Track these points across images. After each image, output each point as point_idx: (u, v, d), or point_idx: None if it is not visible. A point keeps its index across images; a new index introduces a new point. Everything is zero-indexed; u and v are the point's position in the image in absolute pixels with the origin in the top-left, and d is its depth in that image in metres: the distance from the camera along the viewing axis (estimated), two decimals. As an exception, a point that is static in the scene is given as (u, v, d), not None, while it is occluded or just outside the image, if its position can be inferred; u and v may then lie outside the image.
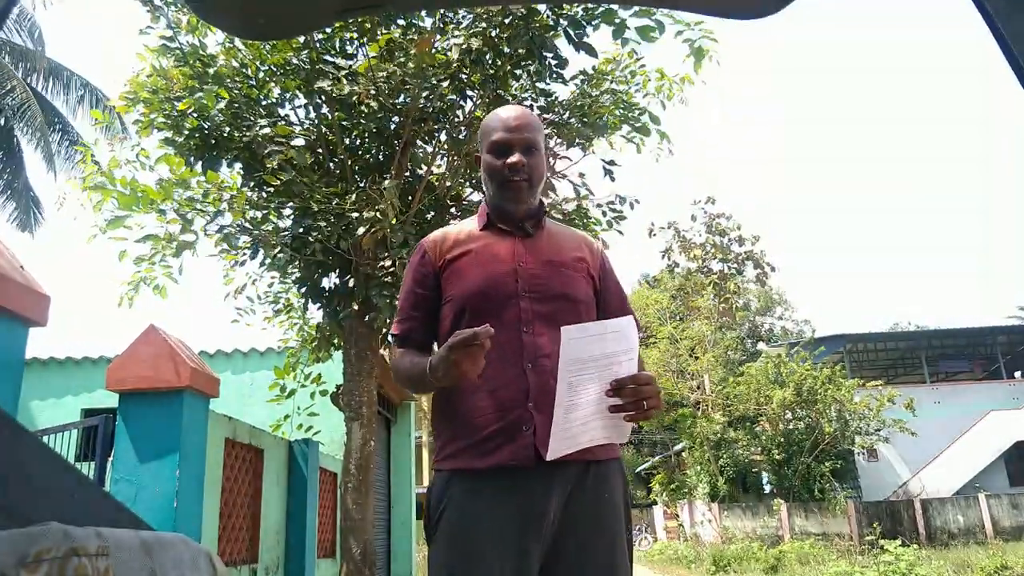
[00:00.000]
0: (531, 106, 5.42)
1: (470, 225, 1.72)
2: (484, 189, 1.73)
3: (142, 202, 4.46)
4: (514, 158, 1.60)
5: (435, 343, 1.66)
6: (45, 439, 4.55)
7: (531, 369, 1.50)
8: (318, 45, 5.12)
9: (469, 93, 5.24)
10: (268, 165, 4.72)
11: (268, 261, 5.26)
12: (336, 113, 5.11)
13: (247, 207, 4.84)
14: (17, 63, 12.90)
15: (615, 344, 1.40)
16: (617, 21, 4.56)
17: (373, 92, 4.90)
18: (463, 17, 4.99)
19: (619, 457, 1.59)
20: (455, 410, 1.55)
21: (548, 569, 1.45)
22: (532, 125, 1.65)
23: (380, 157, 5.45)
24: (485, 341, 1.35)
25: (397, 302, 2.06)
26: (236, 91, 4.97)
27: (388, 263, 4.90)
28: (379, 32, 4.95)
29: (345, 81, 4.88)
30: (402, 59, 4.84)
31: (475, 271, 1.61)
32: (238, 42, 5.03)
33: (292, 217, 5.12)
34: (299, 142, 4.85)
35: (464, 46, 4.78)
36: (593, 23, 4.73)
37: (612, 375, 1.39)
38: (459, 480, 1.49)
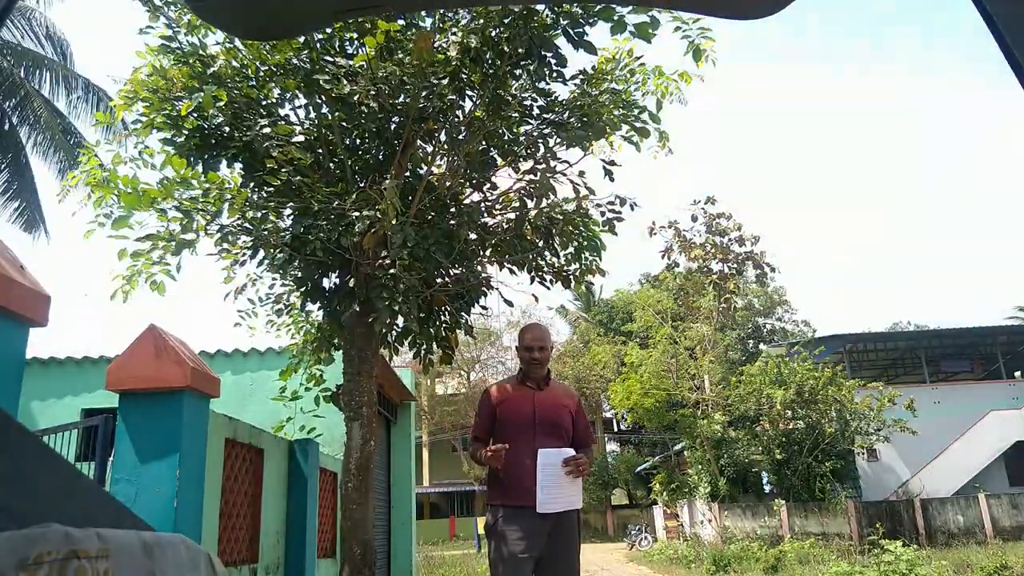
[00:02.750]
0: (531, 106, 5.42)
1: (512, 382, 3.58)
2: (520, 362, 3.59)
3: (143, 201, 4.44)
4: (537, 354, 3.47)
5: (490, 439, 3.45)
6: (45, 439, 4.55)
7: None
8: (318, 45, 5.12)
9: (469, 93, 5.23)
10: (268, 165, 4.71)
11: (268, 261, 5.25)
12: (336, 113, 5.10)
13: (246, 206, 4.83)
14: (19, 64, 12.89)
15: (562, 455, 3.23)
16: (615, 18, 4.56)
17: (373, 92, 4.89)
18: (462, 16, 4.99)
19: (578, 509, 3.34)
20: (503, 480, 3.30)
21: (544, 556, 3.21)
22: (546, 335, 3.60)
23: (380, 157, 5.44)
24: (501, 454, 3.19)
25: (474, 419, 3.74)
26: (236, 91, 4.96)
27: (388, 263, 4.90)
28: (377, 26, 4.93)
29: (345, 80, 4.87)
30: (402, 57, 4.84)
31: (513, 411, 3.42)
32: (238, 42, 5.03)
33: (292, 217, 5.11)
34: (299, 140, 4.85)
35: (463, 44, 4.77)
36: (591, 20, 4.73)
37: (562, 468, 3.21)
38: (504, 510, 3.28)
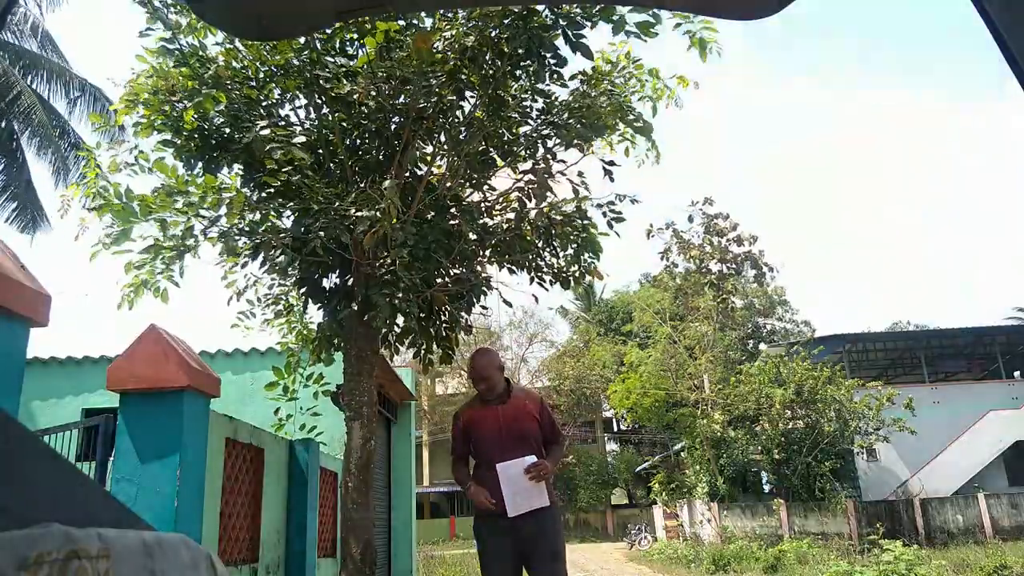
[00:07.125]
0: (529, 107, 5.42)
1: (477, 401, 3.81)
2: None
3: (141, 211, 4.44)
4: (482, 384, 3.76)
5: (468, 456, 3.82)
6: (46, 439, 4.55)
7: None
8: (318, 45, 5.11)
9: (468, 93, 5.23)
10: (268, 166, 4.71)
11: (268, 263, 5.25)
12: (336, 113, 5.10)
13: (245, 208, 4.83)
14: (18, 65, 12.88)
15: (523, 464, 3.53)
16: (615, 18, 4.56)
17: (373, 92, 4.89)
18: (462, 17, 4.98)
19: (553, 503, 3.60)
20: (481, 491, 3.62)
21: (527, 553, 3.52)
22: (488, 364, 3.77)
23: (380, 157, 5.44)
24: (482, 500, 3.54)
25: (451, 441, 3.98)
26: (236, 92, 4.96)
27: (388, 263, 4.89)
28: (376, 27, 4.93)
29: (345, 80, 4.87)
30: (402, 57, 4.84)
31: (482, 429, 3.70)
32: (238, 43, 5.03)
33: (292, 218, 5.11)
34: (299, 141, 4.84)
35: (462, 44, 4.77)
36: (592, 20, 4.73)
37: (524, 472, 3.52)
38: (482, 518, 3.66)
